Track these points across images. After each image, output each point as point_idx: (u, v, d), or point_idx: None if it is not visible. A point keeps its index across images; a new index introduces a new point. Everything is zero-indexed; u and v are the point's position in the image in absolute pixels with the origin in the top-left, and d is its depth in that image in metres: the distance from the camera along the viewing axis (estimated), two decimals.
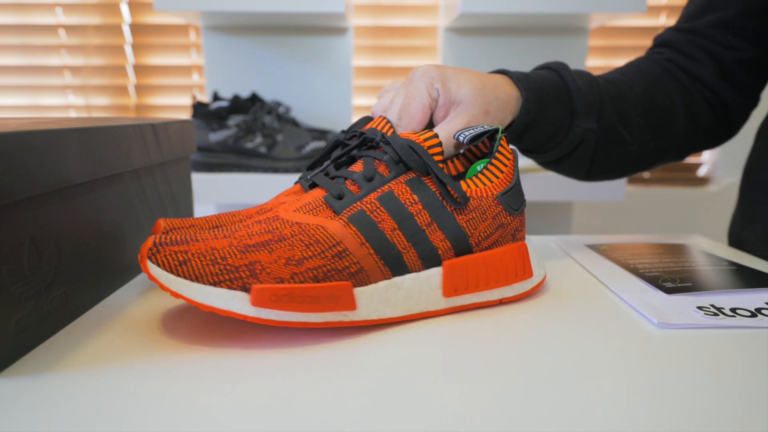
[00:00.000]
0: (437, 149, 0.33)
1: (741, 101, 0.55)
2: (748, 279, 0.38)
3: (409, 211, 0.32)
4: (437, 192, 0.32)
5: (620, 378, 0.25)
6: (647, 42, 1.28)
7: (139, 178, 0.40)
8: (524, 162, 1.00)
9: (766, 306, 0.34)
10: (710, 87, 0.54)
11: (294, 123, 1.06)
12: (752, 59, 0.54)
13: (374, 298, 0.30)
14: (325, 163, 0.36)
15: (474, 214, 0.33)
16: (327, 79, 1.19)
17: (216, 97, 1.06)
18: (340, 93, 1.19)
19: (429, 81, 0.42)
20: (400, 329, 0.31)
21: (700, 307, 0.33)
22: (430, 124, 0.43)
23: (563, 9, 0.97)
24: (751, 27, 0.53)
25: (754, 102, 0.57)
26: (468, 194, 0.33)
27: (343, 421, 0.22)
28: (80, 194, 0.32)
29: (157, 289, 0.37)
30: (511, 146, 0.51)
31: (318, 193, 0.33)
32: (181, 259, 0.27)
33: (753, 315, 0.32)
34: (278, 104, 1.05)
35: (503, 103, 0.43)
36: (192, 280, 0.27)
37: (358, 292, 0.30)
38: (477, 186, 0.35)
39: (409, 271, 0.32)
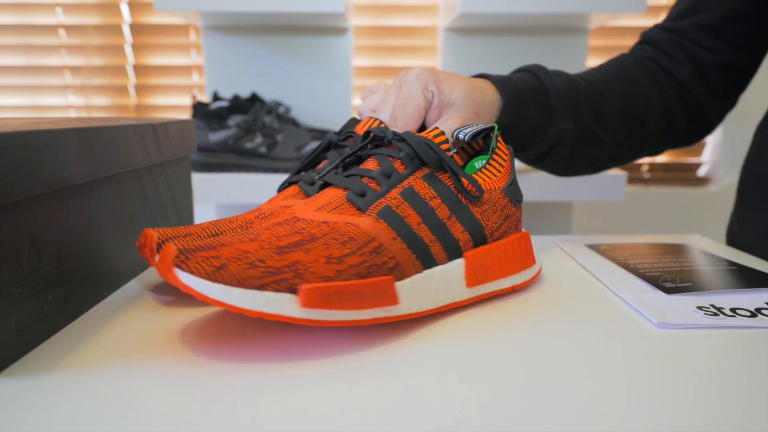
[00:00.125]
0: (446, 146, 0.34)
1: (716, 103, 0.57)
2: (748, 279, 0.38)
3: (430, 206, 0.32)
4: (452, 186, 0.34)
5: (620, 378, 0.25)
6: None
7: (139, 178, 0.40)
8: (522, 162, 1.00)
9: (766, 306, 0.34)
10: (687, 87, 0.56)
11: (294, 123, 1.06)
12: (731, 63, 0.55)
13: (411, 292, 0.31)
14: (335, 163, 0.36)
15: (487, 206, 0.35)
16: (327, 79, 1.19)
17: (216, 97, 1.06)
18: (340, 93, 1.19)
19: (424, 83, 0.43)
20: (402, 327, 0.31)
21: (700, 307, 0.33)
22: (422, 126, 0.44)
23: (563, 9, 0.97)
24: (731, 31, 0.54)
25: (730, 104, 0.58)
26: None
27: (349, 423, 0.22)
28: (80, 194, 0.32)
29: (157, 289, 0.37)
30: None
31: (336, 192, 0.32)
32: (216, 264, 0.26)
33: (753, 315, 0.32)
34: (278, 104, 1.05)
35: (489, 105, 0.46)
36: (234, 285, 0.25)
37: (397, 286, 0.30)
38: (484, 180, 0.37)
39: (436, 264, 0.32)
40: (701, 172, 1.44)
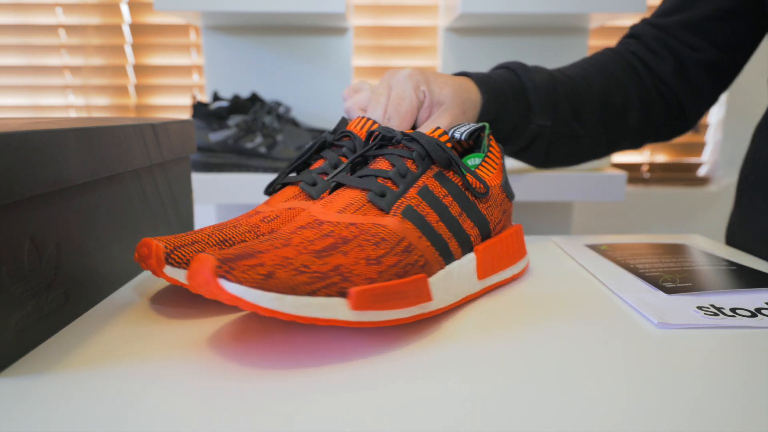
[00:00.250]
0: (449, 145, 0.36)
1: (696, 101, 0.58)
2: (748, 279, 0.38)
3: (444, 203, 0.34)
4: (460, 184, 0.35)
5: (620, 378, 0.25)
6: None
7: (139, 178, 0.40)
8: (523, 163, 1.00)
9: (766, 306, 0.34)
10: (668, 84, 0.57)
11: (294, 123, 1.06)
12: (713, 61, 0.56)
13: (438, 288, 0.31)
14: (346, 164, 0.36)
15: (490, 202, 0.37)
16: (327, 79, 1.19)
17: (216, 97, 1.06)
18: (340, 93, 1.19)
19: (415, 84, 0.45)
20: (399, 330, 0.31)
21: (700, 307, 0.33)
22: (413, 125, 0.46)
23: (563, 9, 0.97)
24: (714, 30, 0.55)
25: (710, 102, 0.59)
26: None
27: (349, 423, 0.22)
28: (80, 194, 0.32)
29: (157, 289, 0.37)
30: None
31: (354, 193, 0.33)
32: (264, 272, 0.25)
33: (753, 315, 0.32)
34: (278, 104, 1.06)
35: (474, 103, 0.48)
36: (286, 293, 0.25)
37: (429, 282, 0.31)
38: (484, 177, 0.39)
39: (454, 259, 0.33)
40: (701, 172, 1.44)
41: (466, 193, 0.35)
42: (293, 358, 0.27)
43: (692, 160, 1.43)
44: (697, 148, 1.43)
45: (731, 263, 0.42)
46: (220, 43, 1.18)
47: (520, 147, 0.53)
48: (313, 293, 0.26)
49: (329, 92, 1.19)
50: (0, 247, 0.25)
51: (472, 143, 0.42)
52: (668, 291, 0.36)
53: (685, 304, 0.34)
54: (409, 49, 1.27)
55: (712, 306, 0.34)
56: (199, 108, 0.99)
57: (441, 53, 1.20)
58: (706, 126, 1.41)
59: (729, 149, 1.38)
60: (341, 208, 0.31)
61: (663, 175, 1.43)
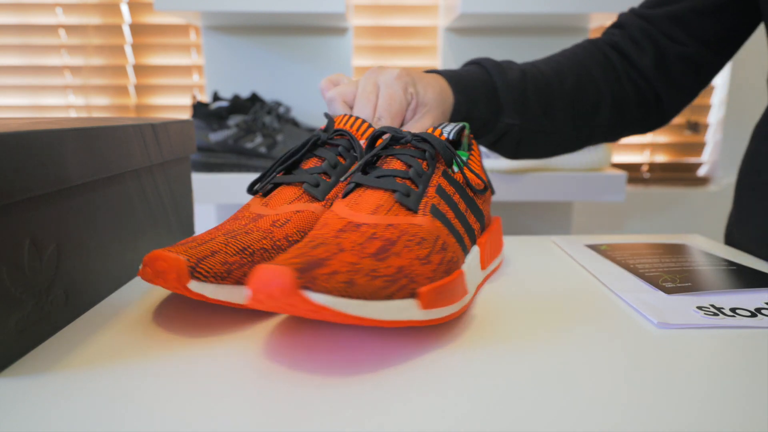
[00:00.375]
0: None
1: (674, 94, 0.58)
2: (748, 279, 0.38)
3: (454, 200, 0.35)
4: (461, 181, 0.36)
5: (620, 378, 0.25)
6: None
7: (139, 178, 0.40)
8: (523, 163, 1.00)
9: (766, 306, 0.34)
10: (646, 76, 0.57)
11: (294, 123, 1.06)
12: (694, 56, 0.56)
13: (468, 281, 0.33)
14: (358, 165, 0.36)
15: (483, 197, 0.39)
16: None
17: (216, 97, 1.06)
18: None
19: (404, 85, 0.46)
20: (399, 330, 0.31)
21: (700, 307, 0.33)
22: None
23: (563, 9, 0.97)
24: (698, 24, 0.55)
25: (688, 98, 0.60)
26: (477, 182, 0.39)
27: (349, 424, 0.22)
28: (80, 194, 0.32)
29: (157, 289, 0.37)
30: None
31: (378, 194, 0.33)
32: (343, 279, 0.25)
33: (753, 315, 0.32)
34: (278, 104, 1.06)
35: (450, 104, 0.50)
36: (366, 298, 0.25)
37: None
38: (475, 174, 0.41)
39: (468, 253, 0.35)
40: (701, 172, 1.44)
41: (467, 189, 0.36)
42: (293, 357, 0.27)
43: (692, 160, 1.43)
44: (697, 148, 1.43)
45: (731, 263, 0.42)
46: (220, 43, 1.18)
47: (490, 142, 0.56)
48: (389, 297, 0.26)
49: None
50: (0, 247, 0.25)
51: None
52: (668, 291, 0.36)
53: (684, 304, 0.34)
54: (409, 49, 1.27)
55: (712, 306, 0.34)
56: (199, 108, 0.99)
57: (441, 53, 1.20)
58: (706, 126, 1.41)
59: (729, 149, 1.38)
60: (372, 210, 0.32)
61: (663, 175, 1.43)
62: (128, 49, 1.30)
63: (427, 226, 0.31)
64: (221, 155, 0.98)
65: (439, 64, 1.22)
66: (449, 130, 0.39)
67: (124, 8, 1.28)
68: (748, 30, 0.56)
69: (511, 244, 0.49)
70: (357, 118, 0.42)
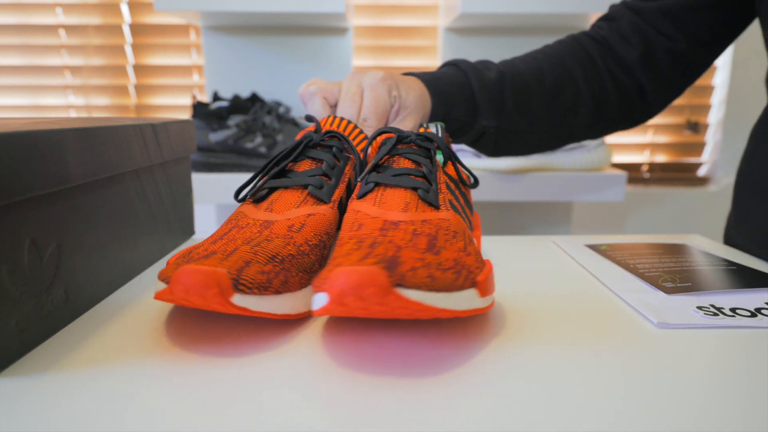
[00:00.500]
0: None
1: (660, 89, 0.59)
2: (748, 279, 0.38)
3: (456, 194, 0.37)
4: (455, 177, 0.38)
5: (620, 378, 0.25)
6: None
7: (139, 178, 0.40)
8: (523, 162, 1.00)
9: (765, 306, 0.34)
10: (631, 71, 0.58)
11: (294, 123, 1.06)
12: (682, 52, 0.56)
13: None
14: (371, 166, 0.37)
15: (469, 190, 0.41)
16: (327, 79, 1.19)
17: (216, 97, 1.06)
18: None
19: (388, 88, 0.47)
20: (398, 329, 0.31)
21: (699, 307, 0.33)
22: None
23: (563, 9, 0.97)
24: (688, 19, 0.55)
25: (674, 93, 0.60)
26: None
27: (349, 423, 0.22)
28: (80, 194, 0.32)
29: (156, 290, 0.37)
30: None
31: (401, 192, 0.34)
32: (425, 274, 0.25)
33: (753, 315, 0.32)
34: (278, 104, 1.06)
35: (429, 107, 0.51)
36: (447, 291, 0.26)
37: None
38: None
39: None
40: (701, 172, 1.44)
41: (460, 184, 0.38)
42: (293, 357, 0.27)
43: (692, 160, 1.43)
44: (697, 148, 1.43)
45: (731, 263, 0.42)
46: (220, 43, 1.18)
47: (468, 141, 0.57)
48: (461, 288, 0.26)
49: None
50: (0, 247, 0.25)
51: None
52: (668, 291, 0.36)
53: (684, 304, 0.34)
54: (409, 49, 1.27)
55: (712, 306, 0.34)
56: (199, 108, 0.99)
57: (441, 53, 1.20)
58: (706, 126, 1.41)
59: (729, 149, 1.38)
60: (403, 207, 0.33)
61: (663, 175, 1.43)
62: (128, 49, 1.30)
63: (453, 221, 0.33)
64: (221, 155, 0.99)
65: (439, 64, 1.22)
66: (435, 130, 0.41)
67: (124, 8, 1.28)
68: (740, 28, 0.57)
69: (511, 244, 0.49)
70: (342, 119, 0.42)
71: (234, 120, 0.98)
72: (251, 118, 0.99)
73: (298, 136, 0.41)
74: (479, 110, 0.54)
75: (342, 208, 0.39)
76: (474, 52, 1.19)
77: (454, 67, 0.55)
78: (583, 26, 1.14)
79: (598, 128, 0.60)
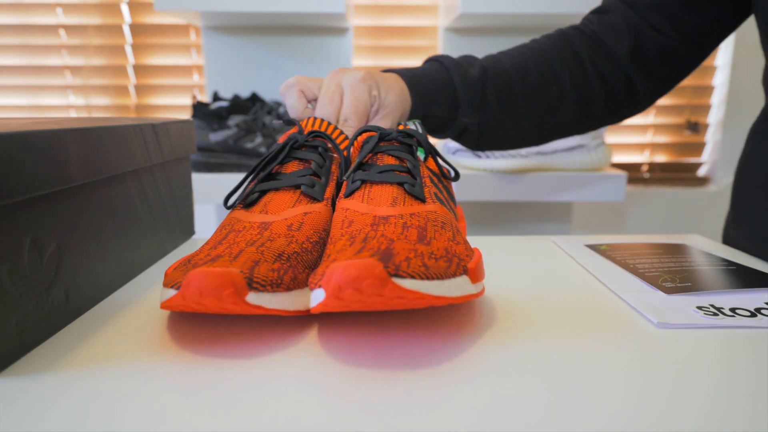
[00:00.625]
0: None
1: (649, 83, 0.59)
2: (748, 279, 0.38)
3: (438, 186, 0.37)
4: (436, 170, 0.40)
5: (620, 378, 0.25)
6: None
7: (139, 178, 0.40)
8: (523, 162, 1.00)
9: (765, 306, 0.34)
10: (620, 64, 0.57)
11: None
12: (673, 48, 0.56)
13: None
14: (355, 164, 0.37)
15: (450, 183, 0.42)
16: None
17: (216, 97, 1.06)
18: None
19: (368, 87, 0.48)
20: (399, 327, 0.31)
21: (699, 307, 0.33)
22: None
23: (563, 9, 0.97)
24: (681, 15, 0.55)
25: (663, 89, 0.60)
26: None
27: (348, 423, 0.22)
28: (81, 194, 0.32)
29: (157, 289, 0.37)
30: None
31: (388, 188, 0.35)
32: (419, 263, 0.26)
33: (752, 315, 0.32)
34: (278, 104, 1.06)
35: (409, 105, 0.51)
36: (440, 278, 0.26)
37: None
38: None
39: None
40: (701, 172, 1.44)
41: (441, 177, 0.40)
42: (292, 356, 0.27)
43: (692, 160, 1.43)
44: (697, 148, 1.43)
45: (731, 263, 0.42)
46: (220, 43, 1.18)
47: (451, 137, 0.57)
48: (453, 275, 0.27)
49: None
50: (0, 247, 0.25)
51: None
52: (668, 291, 0.36)
53: (684, 304, 0.34)
54: (409, 49, 1.27)
55: (712, 306, 0.34)
56: (199, 108, 0.99)
57: (441, 53, 1.20)
58: (706, 126, 1.41)
59: (728, 149, 1.38)
60: (390, 202, 0.33)
61: (662, 175, 1.43)
62: (128, 49, 1.30)
63: (440, 212, 0.33)
64: (221, 155, 0.99)
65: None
66: (414, 128, 0.43)
67: (124, 8, 1.28)
68: (732, 26, 0.57)
69: (511, 244, 0.49)
70: (323, 120, 0.43)
71: (234, 120, 0.99)
72: (251, 118, 0.99)
73: (281, 139, 0.41)
74: (460, 107, 0.54)
75: (334, 205, 0.39)
76: (474, 52, 1.19)
77: (437, 63, 0.55)
78: None
79: (584, 124, 0.60)
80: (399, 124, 0.43)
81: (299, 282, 0.30)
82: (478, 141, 0.58)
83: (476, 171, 1.03)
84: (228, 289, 0.25)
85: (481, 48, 1.18)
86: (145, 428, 0.21)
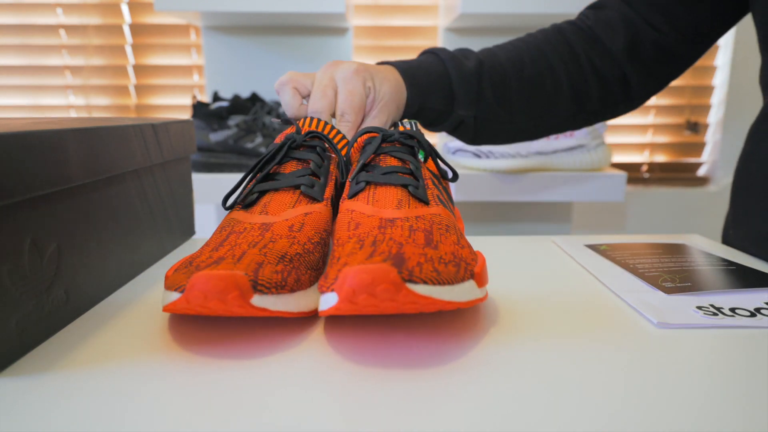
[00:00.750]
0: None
1: (644, 80, 0.59)
2: (748, 279, 0.38)
3: (439, 188, 0.37)
4: (435, 171, 0.40)
5: (620, 378, 0.25)
6: None
7: (139, 178, 0.40)
8: (523, 162, 1.00)
9: (765, 306, 0.34)
10: (616, 60, 0.57)
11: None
12: (669, 45, 0.56)
13: None
14: (360, 165, 0.37)
15: (449, 184, 0.42)
16: None
17: (216, 97, 1.06)
18: None
19: (362, 80, 0.47)
20: (398, 326, 0.31)
21: (699, 307, 0.33)
22: None
23: (563, 9, 0.97)
24: (679, 13, 0.55)
25: (658, 86, 0.60)
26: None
27: (348, 423, 0.22)
28: (81, 194, 0.32)
29: (157, 289, 0.37)
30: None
31: (392, 190, 0.35)
32: (430, 268, 0.26)
33: (752, 315, 0.32)
34: (278, 104, 1.06)
35: (404, 97, 0.51)
36: (450, 283, 0.26)
37: None
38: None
39: None
40: (701, 172, 1.44)
41: (441, 179, 0.40)
42: (295, 357, 0.27)
43: (692, 160, 1.43)
44: (697, 148, 1.43)
45: (730, 263, 0.42)
46: (220, 43, 1.18)
47: (447, 130, 0.57)
48: (461, 280, 0.27)
49: None
50: (0, 247, 0.25)
51: None
52: (668, 291, 0.36)
53: (684, 304, 0.34)
54: (409, 49, 1.27)
55: (712, 306, 0.34)
56: (199, 108, 0.99)
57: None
58: (705, 126, 1.41)
59: (728, 149, 1.38)
60: (396, 205, 0.33)
61: (662, 175, 1.43)
62: (128, 49, 1.30)
63: (444, 215, 0.33)
64: (221, 155, 0.99)
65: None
66: (411, 128, 0.43)
67: (124, 8, 1.28)
68: (728, 24, 0.57)
69: (511, 244, 0.49)
70: (320, 120, 0.43)
71: (234, 120, 0.99)
72: (251, 118, 0.99)
73: (278, 140, 0.41)
74: (456, 100, 0.54)
75: (333, 206, 0.39)
76: None
77: (433, 55, 0.55)
78: None
79: (579, 120, 0.60)
80: (399, 125, 0.42)
81: (302, 283, 0.29)
82: (474, 134, 0.57)
83: (476, 171, 1.03)
84: (233, 292, 0.25)
85: (481, 48, 1.18)
86: (145, 428, 0.21)
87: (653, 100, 1.38)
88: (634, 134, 1.41)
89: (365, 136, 0.40)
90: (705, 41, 0.57)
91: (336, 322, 0.31)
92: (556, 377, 0.25)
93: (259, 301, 0.26)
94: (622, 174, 1.02)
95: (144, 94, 1.32)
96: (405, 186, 0.35)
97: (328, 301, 0.25)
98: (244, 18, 1.05)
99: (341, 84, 0.46)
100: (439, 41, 1.22)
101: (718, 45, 1.38)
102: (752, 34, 1.30)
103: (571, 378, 0.25)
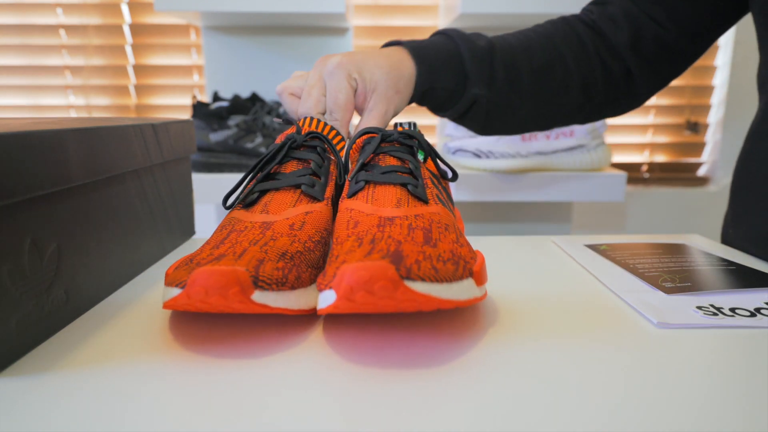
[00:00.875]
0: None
1: (647, 75, 0.59)
2: (748, 279, 0.38)
3: (440, 189, 0.38)
4: (435, 171, 0.40)
5: (620, 378, 0.25)
6: None
7: (139, 178, 0.40)
8: (523, 162, 1.00)
9: (765, 306, 0.34)
10: (619, 54, 0.57)
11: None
12: (670, 41, 0.56)
13: None
14: (359, 165, 0.37)
15: (448, 184, 0.43)
16: None
17: (216, 97, 1.06)
18: None
19: (347, 72, 0.45)
20: (396, 320, 0.31)
21: (699, 307, 0.33)
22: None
23: (563, 9, 0.97)
24: (681, 8, 0.55)
25: (660, 82, 0.60)
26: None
27: (348, 423, 0.22)
28: (81, 194, 0.32)
29: (157, 289, 0.37)
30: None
31: (392, 189, 0.35)
32: (429, 266, 0.26)
33: (752, 315, 0.32)
34: (278, 104, 1.06)
35: (408, 79, 0.48)
36: (449, 281, 0.26)
37: None
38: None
39: None
40: (701, 172, 1.44)
41: (439, 177, 0.40)
42: (295, 356, 0.27)
43: (692, 160, 1.43)
44: (697, 148, 1.43)
45: (730, 263, 0.42)
46: (220, 43, 1.18)
47: (458, 114, 0.55)
48: (460, 278, 0.27)
49: None
50: (0, 247, 0.25)
51: None
52: (668, 291, 0.36)
53: (684, 304, 0.34)
54: None
55: (712, 306, 0.34)
56: (199, 108, 0.99)
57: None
58: (705, 126, 1.41)
59: (728, 149, 1.38)
60: (395, 203, 0.33)
61: (662, 175, 1.43)
62: (128, 49, 1.30)
63: (443, 214, 0.33)
64: (221, 155, 0.99)
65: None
66: (411, 129, 0.43)
67: (124, 8, 1.28)
68: (730, 22, 0.57)
69: (511, 244, 0.49)
70: (320, 120, 0.43)
71: (234, 120, 0.99)
72: (251, 118, 0.99)
73: (279, 140, 0.41)
74: (469, 77, 0.52)
75: (334, 206, 0.39)
76: None
77: (443, 35, 0.54)
78: None
79: (586, 111, 0.60)
80: (398, 125, 0.42)
81: (303, 281, 0.30)
82: (485, 117, 0.56)
83: (476, 171, 1.03)
84: (234, 288, 0.25)
85: None
86: (145, 428, 0.21)
87: (653, 100, 1.38)
88: (634, 134, 1.41)
89: (364, 137, 0.40)
90: (706, 38, 0.57)
91: (335, 322, 0.31)
92: (556, 377, 0.25)
93: (259, 297, 0.26)
94: (622, 174, 1.02)
95: (144, 94, 1.32)
96: (404, 185, 0.35)
97: (326, 299, 0.25)
98: (244, 18, 1.05)
99: (327, 81, 0.46)
100: None
101: (718, 45, 1.38)
102: (752, 34, 1.31)
103: (571, 378, 0.25)
